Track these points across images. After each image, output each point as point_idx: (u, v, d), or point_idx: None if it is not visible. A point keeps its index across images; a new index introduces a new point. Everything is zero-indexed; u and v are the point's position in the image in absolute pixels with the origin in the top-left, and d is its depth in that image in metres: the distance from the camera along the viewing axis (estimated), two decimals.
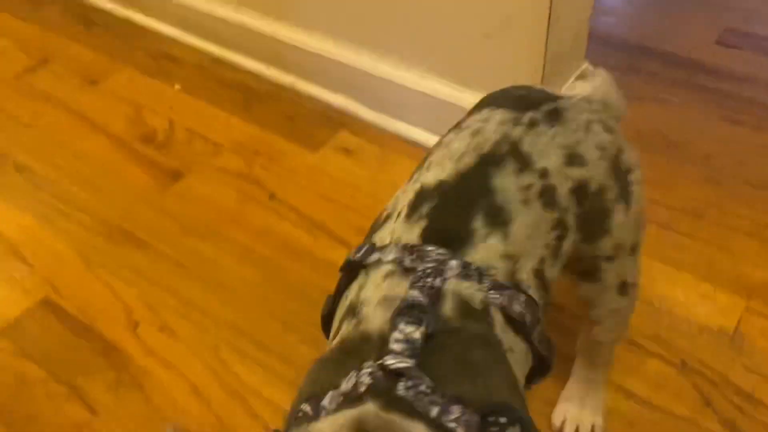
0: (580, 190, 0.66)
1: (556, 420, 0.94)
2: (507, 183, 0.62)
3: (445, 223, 0.60)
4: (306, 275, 1.19)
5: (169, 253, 1.24)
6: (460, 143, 0.65)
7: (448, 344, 0.52)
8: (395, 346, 0.50)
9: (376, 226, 0.66)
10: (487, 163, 0.63)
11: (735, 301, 1.09)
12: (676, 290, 1.11)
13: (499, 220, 0.60)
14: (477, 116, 0.69)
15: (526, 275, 0.60)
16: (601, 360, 0.91)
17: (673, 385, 0.98)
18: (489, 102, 0.72)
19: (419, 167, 0.69)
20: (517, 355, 0.58)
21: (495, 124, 0.66)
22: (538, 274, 0.62)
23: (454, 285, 0.55)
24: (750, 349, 1.02)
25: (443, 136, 0.72)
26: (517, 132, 0.65)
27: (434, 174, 0.63)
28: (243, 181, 1.39)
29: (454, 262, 0.56)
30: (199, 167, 1.43)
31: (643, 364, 1.01)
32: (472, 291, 0.56)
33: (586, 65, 1.38)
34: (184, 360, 1.07)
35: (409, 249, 0.58)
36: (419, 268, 0.55)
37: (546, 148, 0.65)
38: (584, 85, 0.81)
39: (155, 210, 1.33)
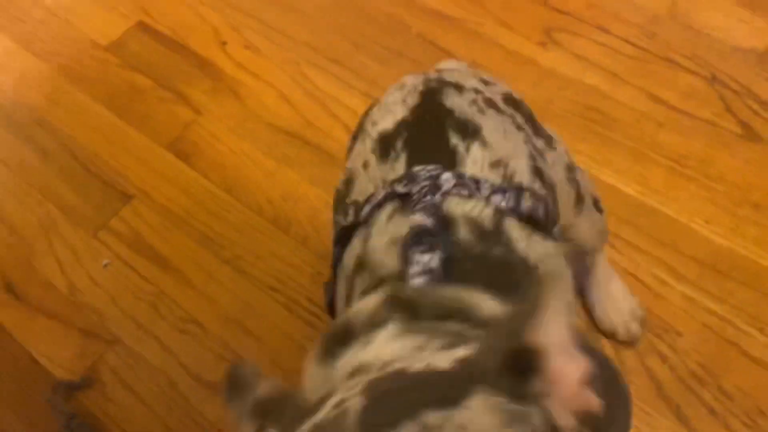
0: (509, 100, 0.68)
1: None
2: (457, 101, 0.61)
3: (425, 147, 0.58)
4: (373, 2, 1.30)
5: None
6: (394, 96, 0.64)
7: (472, 270, 0.50)
8: (415, 281, 0.48)
9: (347, 192, 0.62)
10: (431, 93, 0.62)
11: None
12: (718, 15, 1.20)
13: (469, 130, 0.58)
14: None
15: (525, 177, 0.58)
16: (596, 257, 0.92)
17: (701, 94, 1.12)
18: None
19: (358, 135, 0.66)
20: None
21: (412, 78, 0.67)
22: (536, 171, 0.60)
23: (457, 205, 0.53)
24: None
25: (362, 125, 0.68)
26: (433, 77, 0.66)
27: (387, 122, 0.61)
28: None
29: (447, 174, 0.54)
30: None
31: (676, 77, 1.14)
32: (479, 210, 0.53)
33: None
34: (269, 72, 1.23)
35: (398, 179, 0.55)
36: (414, 191, 0.53)
37: (463, 77, 0.67)
38: None
39: None
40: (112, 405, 0.94)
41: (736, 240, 0.99)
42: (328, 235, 1.05)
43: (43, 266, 1.05)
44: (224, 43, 1.27)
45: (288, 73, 1.22)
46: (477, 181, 0.54)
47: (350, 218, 0.58)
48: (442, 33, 1.25)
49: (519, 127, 0.64)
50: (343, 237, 0.59)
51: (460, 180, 0.54)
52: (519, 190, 0.56)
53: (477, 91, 0.64)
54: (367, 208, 0.56)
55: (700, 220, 1.02)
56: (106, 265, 1.05)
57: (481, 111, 0.62)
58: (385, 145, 0.59)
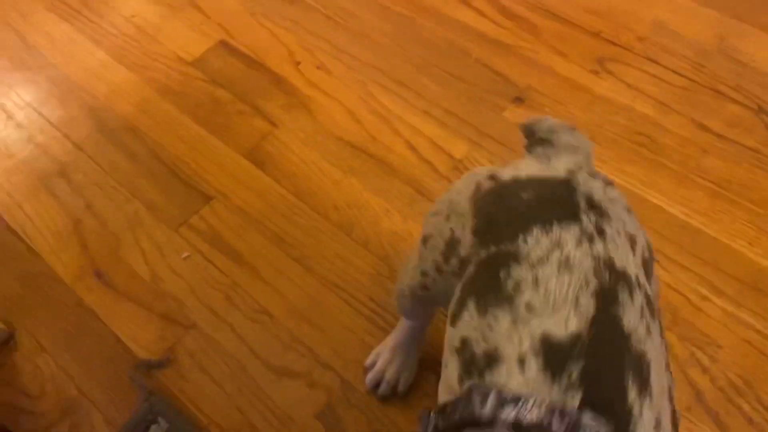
0: (648, 266, 0.60)
1: None
2: (632, 317, 0.53)
3: (602, 393, 0.50)
4: (434, 29, 1.40)
5: (318, 7, 1.47)
6: (560, 284, 0.54)
7: None
8: None
9: (484, 369, 0.53)
10: (606, 301, 0.53)
11: None
12: (764, 50, 1.27)
13: (643, 376, 0.51)
14: (536, 243, 0.57)
15: None
16: None
17: (746, 123, 1.18)
18: (520, 218, 0.60)
19: (495, 287, 0.56)
20: None
21: (573, 246, 0.56)
22: (675, 422, 0.54)
23: None
24: None
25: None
26: (598, 248, 0.56)
27: (557, 325, 0.52)
28: None
29: None
30: None
31: (722, 107, 1.21)
32: None
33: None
34: (338, 91, 1.34)
35: (559, 412, 0.48)
36: None
37: (622, 252, 0.57)
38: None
39: None
40: (187, 384, 1.03)
41: None
42: (388, 240, 1.14)
43: (128, 257, 1.16)
44: (298, 63, 1.38)
45: (355, 92, 1.33)
46: None
47: (486, 410, 0.49)
48: (499, 59, 1.35)
49: (662, 340, 0.57)
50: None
51: None
52: None
53: (640, 285, 0.56)
54: (508, 412, 0.48)
55: (742, 242, 1.08)
56: (185, 258, 1.15)
57: (648, 331, 0.53)
58: (556, 362, 0.50)
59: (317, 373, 1.01)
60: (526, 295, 0.54)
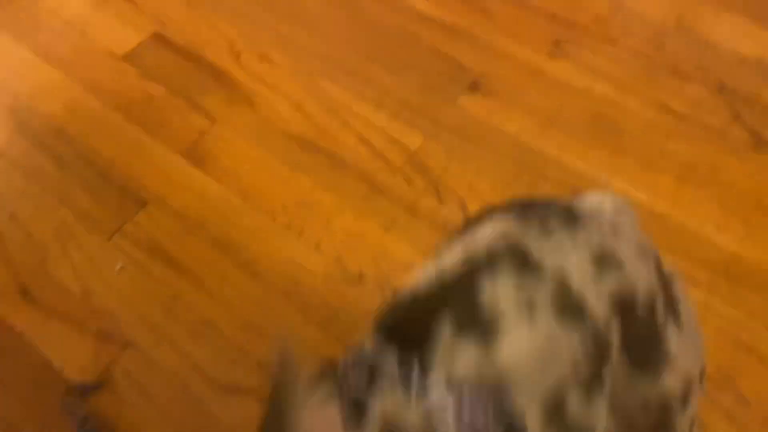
0: (621, 301, 0.50)
1: None
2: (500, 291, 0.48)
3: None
4: (383, 15, 1.32)
5: None
6: (452, 254, 0.51)
7: None
8: None
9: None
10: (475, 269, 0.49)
11: None
12: (723, 27, 1.23)
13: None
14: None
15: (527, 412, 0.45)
16: None
17: (708, 103, 1.14)
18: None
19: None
20: None
21: (491, 229, 0.51)
22: (555, 411, 0.46)
23: None
24: None
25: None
26: (519, 234, 0.50)
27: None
28: None
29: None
30: None
31: (683, 87, 1.16)
32: None
33: None
34: (284, 82, 1.25)
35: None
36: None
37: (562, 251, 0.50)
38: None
39: None
40: (125, 408, 0.93)
41: (747, 246, 1.00)
42: (341, 240, 1.06)
43: (57, 270, 1.06)
44: (239, 55, 1.29)
45: (301, 83, 1.24)
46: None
47: None
48: (452, 45, 1.28)
49: None
50: None
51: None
52: None
53: (558, 279, 0.49)
54: None
55: (710, 227, 1.03)
56: (120, 269, 1.05)
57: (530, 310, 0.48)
58: None
59: (268, 389, 0.93)
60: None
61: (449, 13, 1.32)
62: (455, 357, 0.45)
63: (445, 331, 0.45)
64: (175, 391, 0.94)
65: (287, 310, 0.99)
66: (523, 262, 0.48)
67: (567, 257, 0.49)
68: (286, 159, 1.15)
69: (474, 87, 1.22)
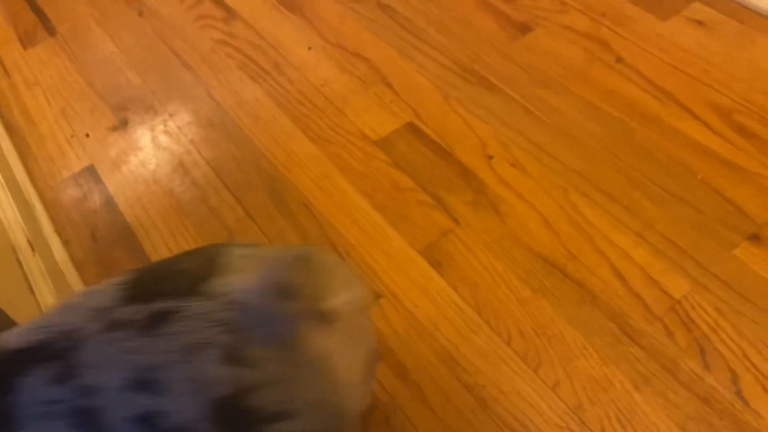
0: (146, 422, 0.51)
1: None
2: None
3: None
4: (653, 139, 1.22)
5: (518, 99, 1.34)
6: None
7: None
8: None
9: None
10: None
11: None
12: None
13: None
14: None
15: None
16: None
17: None
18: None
19: None
20: None
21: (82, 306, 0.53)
22: None
23: None
24: None
25: None
26: (89, 328, 0.50)
27: None
28: (590, 41, 1.42)
29: None
30: (546, 23, 1.48)
31: None
32: None
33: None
34: (534, 195, 1.18)
35: None
36: None
37: (111, 362, 0.51)
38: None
39: (504, 58, 1.42)
40: None
41: None
42: (582, 385, 0.95)
43: None
44: (491, 157, 1.25)
45: (554, 198, 1.17)
46: None
47: None
48: (730, 185, 1.14)
49: None
50: None
51: None
52: None
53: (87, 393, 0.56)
54: None
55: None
56: None
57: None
58: None
59: None
60: None
61: (730, 147, 1.19)
62: None
63: None
64: None
65: None
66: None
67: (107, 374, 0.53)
68: (529, 279, 1.07)
69: (755, 239, 1.06)
